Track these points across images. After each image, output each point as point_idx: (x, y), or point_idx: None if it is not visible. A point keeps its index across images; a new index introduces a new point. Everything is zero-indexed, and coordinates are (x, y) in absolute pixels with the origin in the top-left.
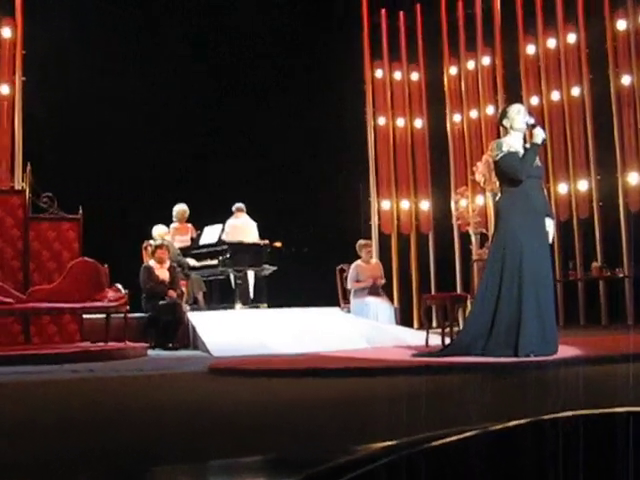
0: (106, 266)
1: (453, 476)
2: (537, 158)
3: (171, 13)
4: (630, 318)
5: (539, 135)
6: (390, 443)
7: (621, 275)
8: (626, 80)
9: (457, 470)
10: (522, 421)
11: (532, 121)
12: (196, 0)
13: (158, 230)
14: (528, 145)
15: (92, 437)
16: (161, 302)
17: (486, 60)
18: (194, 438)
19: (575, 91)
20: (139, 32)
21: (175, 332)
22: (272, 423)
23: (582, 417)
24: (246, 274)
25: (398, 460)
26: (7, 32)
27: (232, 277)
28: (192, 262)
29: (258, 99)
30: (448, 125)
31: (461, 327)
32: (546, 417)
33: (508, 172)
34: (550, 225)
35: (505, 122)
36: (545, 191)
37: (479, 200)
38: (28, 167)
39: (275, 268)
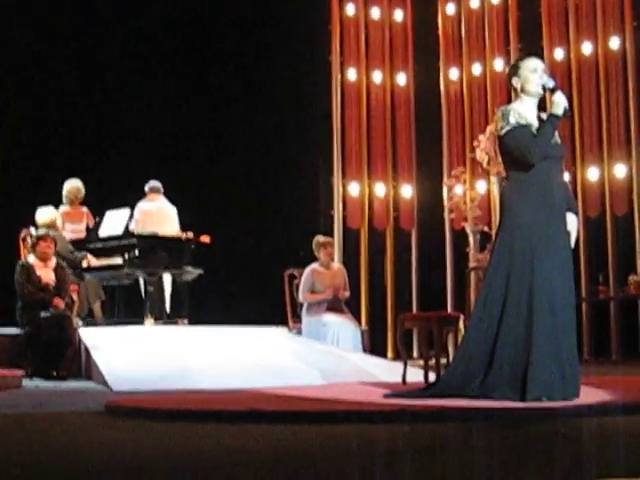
0: None
1: None
2: (557, 133)
3: None
4: None
5: (560, 104)
6: None
7: None
8: None
9: None
10: None
11: (552, 84)
12: None
13: (44, 214)
14: (545, 116)
15: None
16: (43, 314)
17: None
18: None
19: (613, 42)
20: None
21: (61, 356)
22: None
23: None
24: (161, 278)
25: None
26: None
27: (142, 282)
28: (91, 260)
29: (196, 45)
30: (442, 83)
31: (451, 359)
32: None
33: (517, 152)
34: (573, 223)
35: (515, 82)
36: (568, 178)
37: (480, 187)
38: None
39: (201, 272)
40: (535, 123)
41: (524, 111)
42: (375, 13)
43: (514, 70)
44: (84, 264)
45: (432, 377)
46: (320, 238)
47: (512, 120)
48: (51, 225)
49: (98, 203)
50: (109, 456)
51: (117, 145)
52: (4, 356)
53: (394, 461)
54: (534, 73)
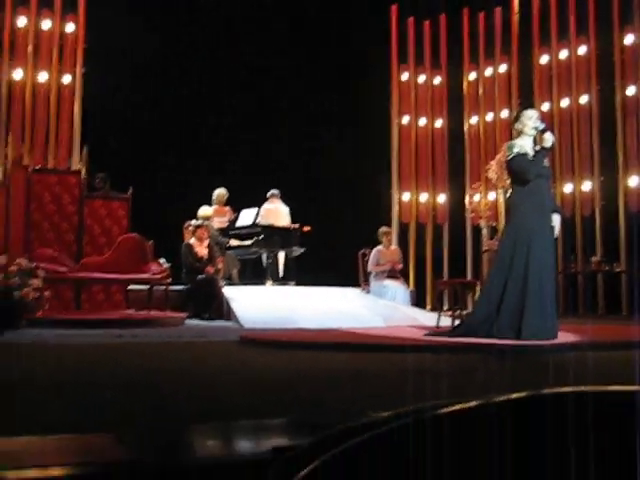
0: (151, 242)
1: (454, 441)
2: (546, 159)
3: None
4: (625, 309)
5: (549, 140)
6: (398, 410)
7: (618, 270)
8: (631, 91)
9: (458, 436)
10: (521, 394)
11: (542, 126)
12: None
13: (204, 211)
14: (538, 148)
15: (132, 395)
16: (199, 277)
17: (503, 67)
18: (224, 399)
19: (583, 99)
20: (186, 30)
21: (211, 304)
22: (295, 390)
23: (568, 394)
24: (277, 254)
25: (404, 425)
26: (71, 27)
27: (264, 257)
28: (232, 242)
29: (300, 98)
30: (465, 126)
31: (470, 310)
32: (539, 393)
33: (518, 172)
34: (556, 220)
35: (518, 125)
36: (552, 190)
37: (491, 196)
38: (85, 149)
39: (303, 250)
40: (531, 153)
41: (523, 145)
42: (421, 78)
43: (517, 118)
44: (228, 244)
45: (457, 322)
46: (383, 228)
47: (516, 150)
48: (207, 218)
49: (237, 203)
50: (241, 367)
51: (252, 165)
52: (174, 303)
53: (432, 378)
54: (530, 119)
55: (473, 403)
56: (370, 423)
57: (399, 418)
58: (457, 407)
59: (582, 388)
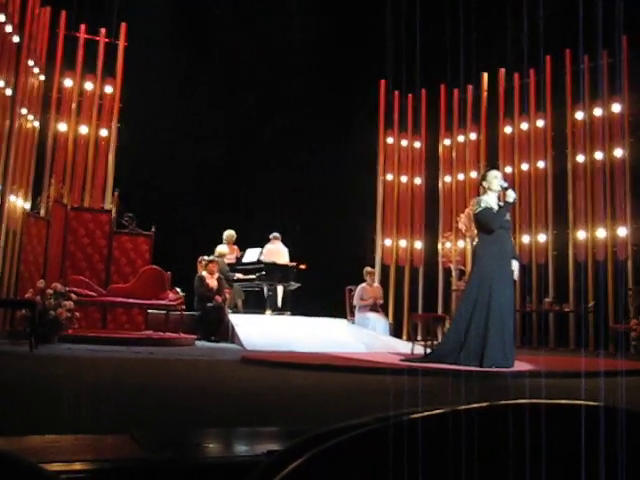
0: (169, 273)
1: (425, 443)
2: (508, 214)
3: (242, 82)
4: (572, 343)
5: (511, 196)
6: (374, 416)
7: (567, 309)
8: (580, 158)
9: (429, 439)
10: (475, 405)
11: (505, 185)
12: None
13: (221, 249)
14: (502, 203)
15: (145, 401)
16: (209, 304)
17: (473, 135)
18: (225, 408)
19: (540, 164)
20: (198, 87)
21: (218, 328)
22: (289, 403)
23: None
24: (276, 288)
25: (381, 428)
26: (109, 89)
27: (265, 289)
28: (238, 276)
29: (296, 158)
30: (440, 184)
31: (440, 340)
32: (498, 403)
33: (484, 223)
34: (515, 266)
35: (484, 184)
36: (513, 239)
37: (460, 243)
38: (116, 192)
39: (299, 285)
40: (496, 207)
41: (489, 200)
42: (404, 142)
43: (484, 177)
44: (234, 278)
45: (428, 350)
46: (367, 268)
47: (483, 205)
48: (223, 255)
49: (243, 243)
50: (242, 382)
51: (256, 212)
52: (187, 327)
53: (407, 395)
54: (495, 179)
55: (441, 410)
56: (351, 426)
57: (377, 422)
58: (429, 413)
59: (536, 401)
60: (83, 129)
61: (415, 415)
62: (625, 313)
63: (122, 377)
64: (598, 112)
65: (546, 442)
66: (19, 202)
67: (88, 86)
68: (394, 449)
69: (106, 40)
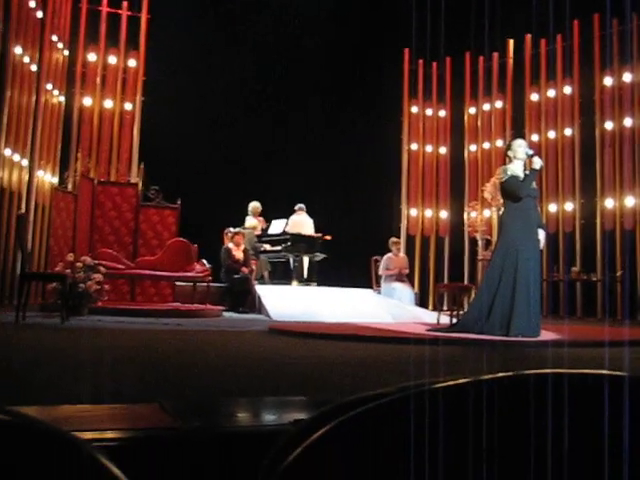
0: (196, 245)
1: (447, 413)
2: (534, 182)
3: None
4: (600, 313)
5: (537, 162)
6: (399, 385)
7: (594, 279)
8: (608, 125)
9: (451, 409)
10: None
11: (531, 152)
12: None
13: (250, 222)
14: (528, 172)
15: (174, 372)
16: (236, 276)
17: (499, 104)
18: (255, 379)
19: (568, 132)
20: (225, 61)
21: (245, 299)
22: (316, 373)
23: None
24: (302, 259)
25: (405, 397)
26: (133, 62)
27: (291, 260)
28: (264, 247)
29: (326, 126)
30: (466, 153)
31: (465, 310)
32: (523, 373)
33: (510, 192)
34: (542, 235)
35: (510, 153)
36: (539, 208)
37: (486, 213)
38: (142, 165)
39: (325, 255)
40: (522, 176)
41: (515, 169)
42: (429, 112)
43: (509, 146)
44: (262, 249)
45: (454, 320)
46: (393, 239)
47: (509, 173)
48: (254, 228)
49: (269, 215)
50: (269, 353)
51: (282, 183)
52: (214, 298)
53: (432, 364)
54: (520, 147)
55: (463, 380)
56: (373, 396)
57: (400, 391)
58: (451, 383)
59: (560, 371)
60: (108, 103)
61: (437, 385)
62: None
63: (150, 348)
64: (627, 78)
65: (569, 413)
66: (47, 177)
67: (112, 60)
68: (416, 418)
69: (128, 13)
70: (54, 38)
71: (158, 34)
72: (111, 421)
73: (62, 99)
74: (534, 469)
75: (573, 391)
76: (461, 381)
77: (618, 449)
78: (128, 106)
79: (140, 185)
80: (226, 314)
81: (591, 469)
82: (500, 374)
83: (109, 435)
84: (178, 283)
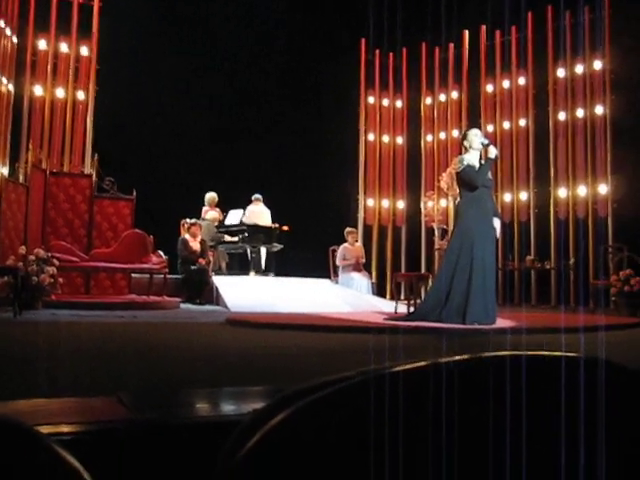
0: (152, 237)
1: (407, 396)
2: (489, 172)
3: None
4: (554, 300)
5: (492, 152)
6: (358, 370)
7: (548, 267)
8: (562, 116)
9: (410, 392)
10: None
11: (487, 142)
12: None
13: (211, 214)
14: (483, 161)
15: (131, 365)
16: (193, 267)
17: (454, 94)
18: (214, 370)
19: (522, 122)
20: (184, 52)
21: (202, 291)
22: (275, 363)
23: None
24: (259, 249)
25: (364, 380)
26: (85, 51)
27: (248, 251)
28: (226, 238)
29: (277, 118)
30: (422, 143)
31: (423, 299)
32: (481, 355)
33: (467, 181)
34: (497, 224)
35: (465, 142)
36: (494, 198)
37: (443, 202)
38: (96, 156)
39: (282, 246)
40: (477, 165)
41: (471, 159)
42: (385, 102)
43: (465, 136)
44: (223, 240)
45: (412, 309)
46: (349, 229)
47: (465, 163)
48: (214, 220)
49: (225, 205)
50: (228, 344)
51: (238, 172)
52: (171, 290)
53: (390, 352)
54: (476, 137)
55: (422, 363)
56: (331, 381)
57: (360, 375)
58: (410, 366)
59: (516, 353)
60: (60, 92)
61: (397, 368)
62: (605, 270)
63: (107, 341)
64: (579, 69)
65: (527, 394)
66: None
67: (63, 48)
68: (376, 402)
69: (80, 0)
70: (1, 24)
71: (111, 21)
72: (67, 415)
73: (11, 88)
74: (493, 451)
75: (531, 372)
76: (421, 364)
77: (575, 429)
78: (81, 95)
79: (94, 176)
80: (183, 306)
81: (549, 450)
82: (459, 357)
83: (66, 429)
84: (134, 275)
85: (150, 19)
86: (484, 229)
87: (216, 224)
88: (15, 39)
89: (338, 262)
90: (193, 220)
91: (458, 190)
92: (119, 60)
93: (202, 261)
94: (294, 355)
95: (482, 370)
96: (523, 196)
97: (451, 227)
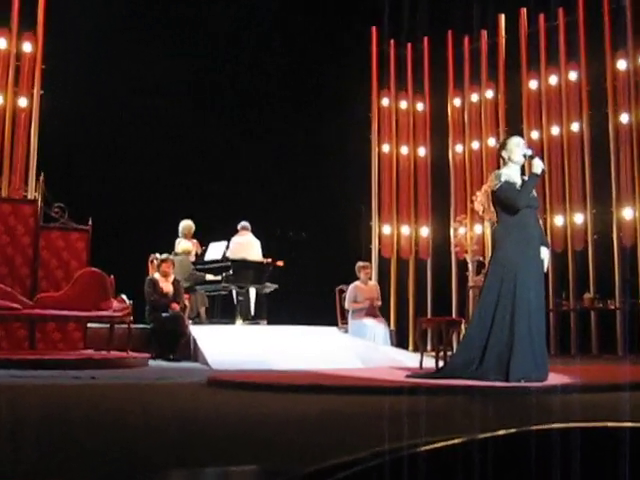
0: (112, 277)
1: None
2: (534, 190)
3: (185, 39)
4: (620, 349)
5: (538, 165)
6: (373, 450)
7: (612, 307)
8: (624, 118)
9: (439, 476)
10: (510, 431)
11: (530, 152)
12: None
13: (184, 245)
14: (527, 177)
15: (89, 441)
16: (164, 314)
17: (489, 93)
18: (189, 446)
19: (574, 127)
20: (147, 54)
21: (176, 344)
22: (266, 436)
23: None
24: (248, 291)
25: (380, 465)
26: (28, 47)
27: (234, 293)
28: (208, 277)
29: (270, 120)
30: (450, 155)
31: (455, 350)
32: (526, 429)
33: (505, 202)
34: (545, 254)
35: (504, 154)
36: (541, 222)
37: (477, 229)
38: (41, 177)
39: (276, 286)
40: (519, 182)
41: (511, 174)
42: (403, 104)
43: (503, 146)
44: (203, 279)
45: (441, 364)
46: (360, 263)
47: (503, 179)
48: (188, 253)
49: (204, 236)
50: (209, 411)
51: (219, 196)
52: (137, 343)
53: (412, 420)
54: (517, 147)
55: (455, 440)
56: (344, 464)
57: (375, 457)
58: (438, 445)
59: (572, 425)
60: None
61: (421, 448)
62: None
63: (55, 410)
64: None
65: (586, 476)
66: None
67: (1, 43)
68: None
69: None
70: None
71: (60, 11)
72: None
73: None
74: None
75: (592, 448)
76: (451, 441)
77: None
78: (23, 102)
79: (39, 201)
80: (153, 363)
81: None
82: (499, 432)
83: None
84: (90, 325)
85: (109, 10)
86: (529, 261)
87: (193, 260)
88: None
89: (347, 305)
90: (164, 255)
91: (496, 213)
92: (71, 59)
93: (176, 306)
94: (293, 424)
95: (526, 447)
96: (578, 219)
97: (488, 259)
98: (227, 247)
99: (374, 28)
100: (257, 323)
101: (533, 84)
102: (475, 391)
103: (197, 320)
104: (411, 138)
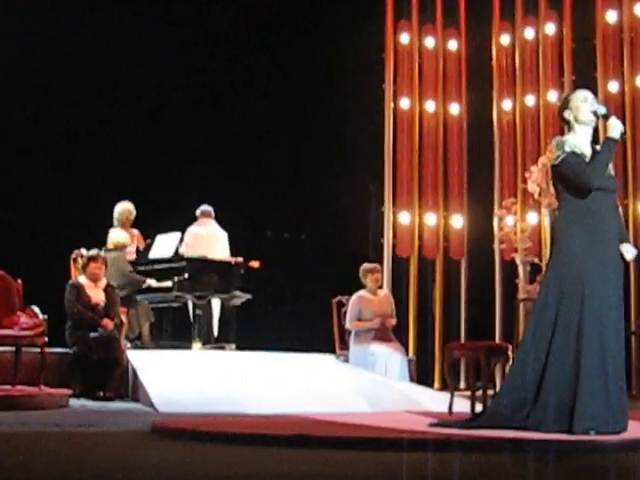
0: (20, 282)
1: None
2: (611, 165)
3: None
4: None
5: (616, 127)
6: None
7: None
8: None
9: None
10: None
11: (604, 110)
12: None
13: (119, 236)
14: (599, 147)
15: None
16: (92, 334)
17: (550, 28)
18: None
19: None
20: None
21: (109, 376)
22: None
23: None
24: (210, 302)
25: None
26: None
27: (190, 305)
28: (151, 282)
29: (257, 78)
30: (494, 114)
31: (498, 390)
32: None
33: (573, 178)
34: (630, 252)
35: (567, 114)
36: (620, 209)
37: (531, 218)
38: None
39: (249, 296)
40: (589, 153)
41: (578, 142)
42: (429, 42)
43: (565, 103)
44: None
45: (479, 408)
46: (367, 265)
47: (567, 149)
48: (124, 246)
49: (149, 226)
50: (152, 472)
51: (169, 167)
52: (52, 375)
53: None
54: (585, 102)
55: None
56: None
57: None
58: None
59: None
60: None
61: None
62: None
63: None
64: None
65: None
66: None
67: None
68: None
69: None
70: None
71: None
72: None
73: None
74: None
75: None
76: None
77: None
78: None
79: None
80: (76, 403)
81: None
82: None
83: None
84: None
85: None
86: (603, 265)
87: (133, 258)
88: None
89: (349, 325)
90: (93, 252)
91: (557, 196)
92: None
93: (108, 323)
94: None
95: None
96: None
97: (545, 261)
98: (181, 241)
99: None
100: (222, 348)
101: (611, 16)
102: (528, 446)
103: (138, 343)
104: (440, 90)
